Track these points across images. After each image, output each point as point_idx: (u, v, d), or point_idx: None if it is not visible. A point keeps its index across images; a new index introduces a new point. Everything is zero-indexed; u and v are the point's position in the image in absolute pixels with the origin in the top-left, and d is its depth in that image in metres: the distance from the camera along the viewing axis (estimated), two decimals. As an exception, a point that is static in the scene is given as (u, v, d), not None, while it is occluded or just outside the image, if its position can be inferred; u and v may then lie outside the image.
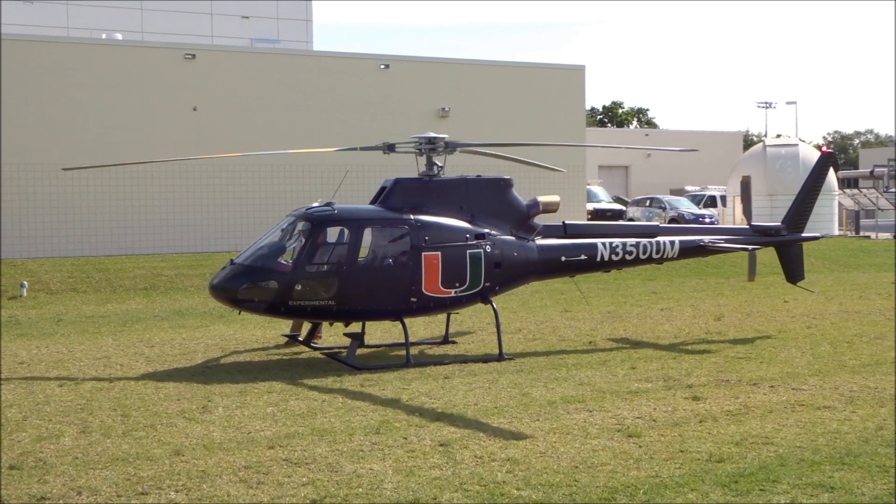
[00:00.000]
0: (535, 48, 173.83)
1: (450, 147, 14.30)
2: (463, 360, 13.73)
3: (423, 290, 13.50)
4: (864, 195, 41.65)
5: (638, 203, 45.60)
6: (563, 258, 14.84)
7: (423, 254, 13.49)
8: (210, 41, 39.94)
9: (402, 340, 13.68)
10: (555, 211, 14.92)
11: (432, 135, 14.43)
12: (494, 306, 14.15)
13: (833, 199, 40.03)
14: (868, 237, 39.33)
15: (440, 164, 14.39)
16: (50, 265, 24.60)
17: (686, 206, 42.44)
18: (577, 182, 34.56)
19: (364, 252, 13.61)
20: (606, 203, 43.36)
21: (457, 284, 13.71)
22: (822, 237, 25.04)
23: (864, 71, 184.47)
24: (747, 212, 17.51)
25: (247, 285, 13.08)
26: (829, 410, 10.52)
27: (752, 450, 8.95)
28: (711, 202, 46.11)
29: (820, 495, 7.69)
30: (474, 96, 32.83)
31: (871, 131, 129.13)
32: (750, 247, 16.43)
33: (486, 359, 13.78)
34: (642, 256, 15.42)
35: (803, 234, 17.00)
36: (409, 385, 11.95)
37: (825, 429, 9.73)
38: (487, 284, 13.96)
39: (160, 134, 27.97)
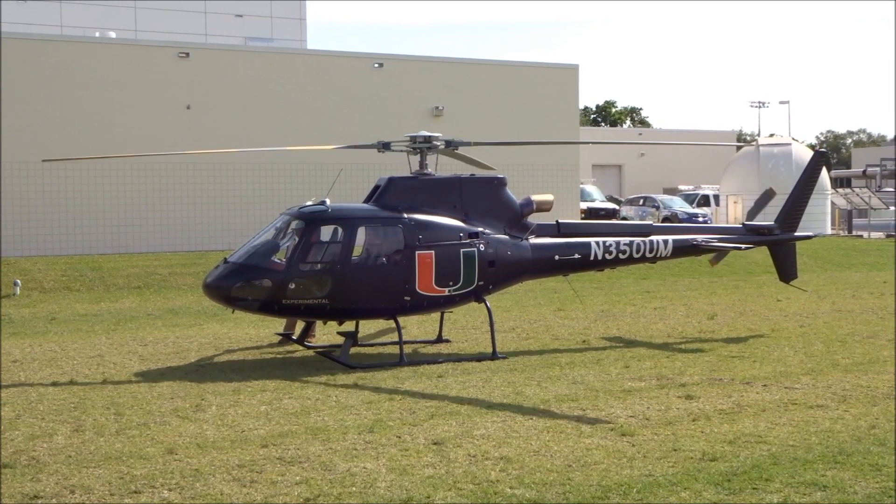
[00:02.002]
0: (529, 47, 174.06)
1: (446, 145, 14.29)
2: (456, 358, 13.73)
3: (417, 288, 13.50)
4: (857, 194, 41.73)
5: (631, 202, 45.70)
6: (557, 257, 14.85)
7: (416, 252, 13.49)
8: (204, 40, 39.89)
9: (396, 339, 13.67)
10: (548, 210, 14.93)
11: (426, 133, 14.43)
12: (488, 305, 14.16)
13: (826, 199, 40.09)
14: (860, 236, 39.41)
15: (428, 164, 14.39)
16: (43, 263, 24.55)
17: (679, 206, 42.52)
18: (571, 181, 34.59)
19: (358, 251, 13.61)
20: (600, 202, 43.41)
21: (450, 283, 13.71)
22: (815, 236, 25.08)
23: (857, 71, 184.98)
24: (752, 212, 17.35)
25: (240, 284, 13.08)
26: (822, 409, 10.55)
27: (745, 448, 8.97)
28: (705, 201, 46.19)
29: (812, 494, 7.71)
30: (468, 95, 32.81)
31: (863, 131, 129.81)
32: (743, 245, 16.46)
33: (479, 357, 13.79)
34: (636, 255, 15.43)
35: (796, 234, 17.03)
36: (402, 384, 11.96)
37: (818, 427, 9.75)
38: (481, 283, 13.97)
39: (154, 132, 27.89)
